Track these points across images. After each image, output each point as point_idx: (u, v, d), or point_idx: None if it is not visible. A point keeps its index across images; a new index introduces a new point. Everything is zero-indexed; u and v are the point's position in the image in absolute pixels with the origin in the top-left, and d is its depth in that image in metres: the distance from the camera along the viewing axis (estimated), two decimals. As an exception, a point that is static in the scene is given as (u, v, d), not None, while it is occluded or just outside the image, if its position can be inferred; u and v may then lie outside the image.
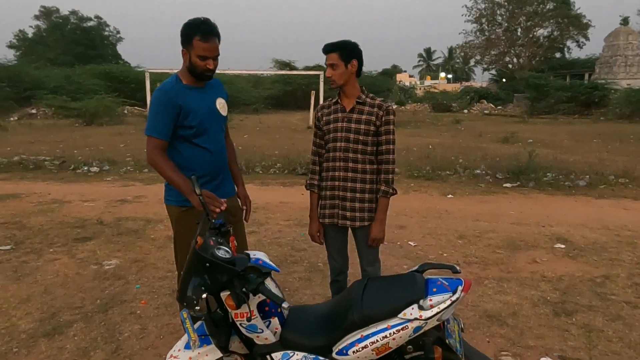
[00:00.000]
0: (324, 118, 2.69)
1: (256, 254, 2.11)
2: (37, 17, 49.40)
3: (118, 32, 52.57)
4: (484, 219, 5.80)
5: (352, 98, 2.62)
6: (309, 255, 4.53)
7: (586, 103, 25.78)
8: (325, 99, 19.04)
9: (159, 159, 2.28)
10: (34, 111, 25.37)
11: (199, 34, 2.23)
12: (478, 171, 8.78)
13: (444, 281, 1.89)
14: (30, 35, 49.42)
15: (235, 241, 2.11)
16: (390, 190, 2.61)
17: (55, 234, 5.18)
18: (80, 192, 7.49)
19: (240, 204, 2.65)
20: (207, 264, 1.84)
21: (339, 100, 2.66)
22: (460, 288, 1.84)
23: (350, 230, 2.75)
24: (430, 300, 1.81)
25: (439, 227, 5.43)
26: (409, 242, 4.93)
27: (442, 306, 1.78)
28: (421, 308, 1.78)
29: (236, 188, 2.66)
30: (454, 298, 1.80)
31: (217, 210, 2.11)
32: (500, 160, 9.72)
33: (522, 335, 3.07)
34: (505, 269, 4.21)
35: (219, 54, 2.32)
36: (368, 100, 2.61)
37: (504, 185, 7.91)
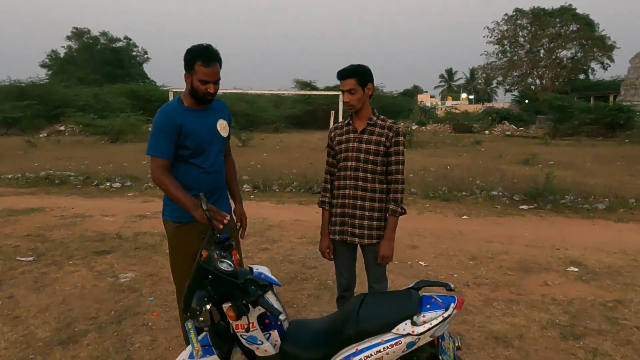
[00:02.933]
0: (337, 138, 2.80)
1: (259, 268, 2.20)
2: (69, 38, 51.37)
3: (145, 53, 54.21)
4: (498, 241, 5.78)
5: (363, 120, 2.73)
6: (319, 273, 4.59)
7: (610, 125, 25.34)
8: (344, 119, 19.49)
9: (164, 178, 2.39)
10: (62, 128, 26.26)
11: (201, 59, 2.36)
12: (495, 192, 8.74)
13: (438, 298, 1.94)
14: (62, 55, 51.32)
15: (237, 255, 2.20)
16: (399, 210, 2.68)
17: (76, 247, 5.36)
18: (101, 207, 7.73)
19: (235, 221, 2.74)
20: (210, 276, 1.93)
21: (351, 122, 2.78)
22: (452, 305, 1.88)
23: (359, 248, 2.82)
24: (424, 316, 1.86)
25: (451, 248, 5.43)
26: (420, 262, 4.94)
27: (434, 322, 1.83)
28: (414, 324, 1.83)
29: (233, 205, 2.76)
30: (445, 315, 1.85)
31: (221, 225, 2.20)
32: (518, 182, 9.65)
33: (527, 358, 3.06)
34: (516, 291, 4.19)
35: (219, 79, 2.45)
36: (379, 121, 2.71)
37: (521, 207, 7.85)
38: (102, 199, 8.58)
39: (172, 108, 2.46)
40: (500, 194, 8.71)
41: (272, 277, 2.17)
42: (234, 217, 2.74)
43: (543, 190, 8.06)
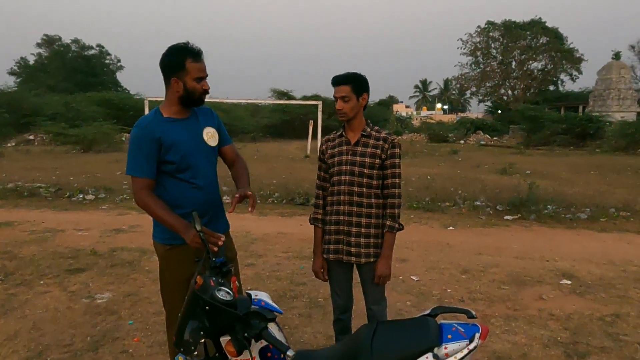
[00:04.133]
0: (329, 151, 2.63)
1: (258, 295, 2.00)
2: (39, 45, 49.99)
3: (119, 61, 53.15)
4: (487, 253, 5.69)
5: (357, 131, 2.58)
6: (308, 290, 4.39)
7: (581, 135, 25.95)
8: (323, 129, 19.37)
9: (148, 199, 2.16)
10: (31, 137, 25.40)
11: (190, 56, 2.17)
12: (478, 203, 8.70)
13: (459, 327, 1.78)
14: (31, 62, 49.86)
15: (237, 282, 2.00)
16: (397, 226, 2.55)
17: (47, 265, 5.03)
18: (74, 220, 7.35)
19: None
20: (207, 307, 1.73)
21: (343, 133, 2.61)
22: (477, 335, 1.72)
23: (355, 267, 2.66)
24: (445, 348, 1.69)
25: (441, 261, 5.31)
26: (412, 277, 4.80)
27: (459, 355, 1.66)
28: (436, 357, 1.67)
29: (240, 191, 2.28)
30: (471, 347, 1.69)
31: (216, 247, 2.00)
32: (500, 192, 9.65)
33: (534, 379, 2.93)
34: (512, 306, 4.08)
35: (207, 75, 2.28)
36: (373, 133, 2.57)
37: (505, 217, 7.82)
38: (75, 212, 8.19)
39: (149, 121, 2.23)
40: (484, 204, 8.68)
41: (273, 304, 1.97)
42: (238, 195, 2.24)
43: (526, 200, 8.06)
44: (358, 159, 2.52)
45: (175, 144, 2.21)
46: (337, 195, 2.57)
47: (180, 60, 2.17)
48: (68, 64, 48.29)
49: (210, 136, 2.38)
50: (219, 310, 1.71)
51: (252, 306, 1.81)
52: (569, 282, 4.68)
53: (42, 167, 13.46)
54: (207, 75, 2.25)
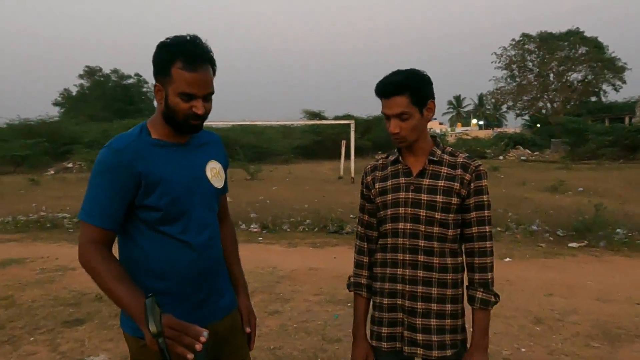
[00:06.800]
0: (377, 185, 1.75)
1: None
2: (81, 76, 51.83)
3: (155, 87, 54.44)
4: (558, 293, 4.73)
5: (421, 155, 1.70)
6: (344, 349, 3.56)
7: (631, 147, 24.37)
8: (356, 149, 18.61)
9: (96, 260, 1.40)
10: (70, 165, 25.85)
11: (181, 58, 1.40)
12: (534, 227, 7.71)
13: None
14: (74, 93, 51.65)
15: None
16: (493, 299, 1.67)
17: (44, 315, 4.39)
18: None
19: (241, 322, 1.74)
20: None
21: (400, 158, 1.73)
22: None
23: None
24: None
25: (505, 305, 4.38)
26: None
27: None
28: None
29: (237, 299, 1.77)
30: None
31: (190, 355, 1.23)
32: (557, 214, 8.63)
33: None
34: (610, 373, 3.15)
35: (212, 91, 1.48)
36: (446, 157, 1.69)
37: (569, 245, 6.81)
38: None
39: (128, 142, 1.47)
40: (540, 228, 7.68)
41: None
42: (242, 313, 1.74)
43: (592, 224, 7.03)
44: (425, 197, 1.65)
45: (165, 180, 1.46)
46: (393, 252, 1.70)
47: (166, 62, 1.42)
48: (107, 93, 49.89)
49: (216, 173, 1.63)
50: None
51: None
52: (675, 334, 3.70)
53: (73, 196, 13.15)
54: (207, 93, 1.46)
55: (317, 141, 31.88)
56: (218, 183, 1.63)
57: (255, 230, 8.63)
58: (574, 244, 6.81)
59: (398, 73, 1.62)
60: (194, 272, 1.52)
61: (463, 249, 1.70)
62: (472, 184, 1.64)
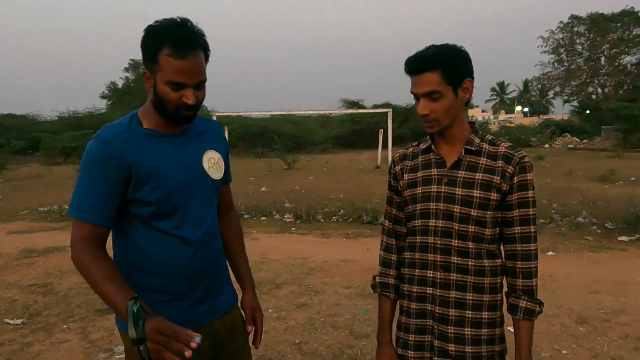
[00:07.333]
0: (406, 176, 1.55)
1: None
2: (126, 69, 53.33)
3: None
4: (606, 291, 4.43)
5: (456, 144, 1.49)
6: (372, 346, 3.43)
7: (690, 134, 22.89)
8: (394, 138, 18.28)
9: (86, 259, 1.32)
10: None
11: (169, 44, 1.29)
12: (580, 219, 7.30)
13: None
14: (120, 86, 53.27)
15: None
16: (538, 308, 1.46)
17: (79, 303, 4.48)
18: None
19: (245, 319, 1.64)
20: None
21: (432, 146, 1.52)
22: None
23: None
24: None
25: (546, 303, 4.09)
26: (508, 327, 3.70)
27: None
28: None
29: (241, 295, 1.67)
30: None
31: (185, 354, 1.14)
32: (606, 205, 8.14)
33: None
34: (662, 381, 2.89)
35: (205, 79, 1.37)
36: (485, 146, 1.47)
37: (619, 238, 6.39)
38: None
39: (117, 132, 1.37)
40: (587, 220, 7.26)
41: None
42: (243, 312, 1.64)
43: (645, 216, 6.58)
44: (460, 192, 1.45)
45: (157, 174, 1.37)
46: (422, 251, 1.51)
47: (153, 48, 1.32)
48: (151, 85, 51.27)
49: (214, 164, 1.52)
50: None
51: None
52: None
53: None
54: (199, 82, 1.35)
55: (356, 130, 31.63)
56: (216, 174, 1.52)
57: (289, 220, 8.59)
58: (624, 238, 6.38)
59: (430, 47, 1.42)
60: (190, 269, 1.44)
61: (503, 250, 1.51)
62: (515, 178, 1.43)
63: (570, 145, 27.30)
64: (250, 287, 1.67)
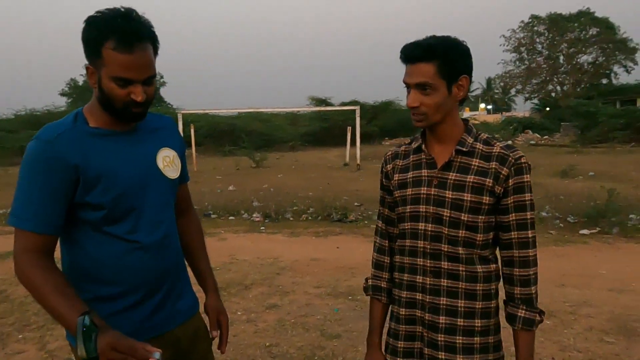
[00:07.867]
0: (397, 176, 1.49)
1: None
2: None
3: (162, 77, 54.13)
4: (571, 283, 4.53)
5: (449, 143, 1.42)
6: (343, 347, 3.39)
7: (643, 130, 23.86)
8: (364, 136, 18.26)
9: (32, 271, 1.21)
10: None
11: (114, 37, 1.19)
12: (544, 213, 7.48)
13: None
14: (80, 83, 51.49)
15: None
16: (538, 317, 1.40)
17: (35, 311, 4.24)
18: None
19: (208, 325, 1.56)
20: None
21: (423, 146, 1.46)
22: None
23: None
24: None
25: (513, 297, 4.19)
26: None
27: None
28: None
29: (205, 299, 1.59)
30: None
31: None
32: (567, 200, 8.38)
33: None
34: (627, 372, 2.95)
35: (154, 74, 1.27)
36: (479, 146, 1.40)
37: (581, 231, 6.58)
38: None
39: (60, 132, 1.25)
40: (550, 215, 7.45)
41: None
42: (209, 315, 1.55)
43: (605, 210, 6.78)
44: (449, 195, 1.38)
45: (108, 174, 1.27)
46: (412, 256, 1.45)
47: (95, 41, 1.21)
48: (114, 83, 49.92)
49: (169, 162, 1.43)
50: None
51: None
52: (696, 328, 3.49)
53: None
54: (148, 77, 1.26)
55: (324, 128, 31.61)
56: (172, 173, 1.43)
57: (257, 219, 8.47)
58: (585, 231, 6.58)
59: (431, 37, 1.36)
60: (147, 275, 1.34)
61: (499, 257, 1.44)
62: (510, 180, 1.35)
63: (532, 142, 28.10)
64: (214, 289, 1.59)
